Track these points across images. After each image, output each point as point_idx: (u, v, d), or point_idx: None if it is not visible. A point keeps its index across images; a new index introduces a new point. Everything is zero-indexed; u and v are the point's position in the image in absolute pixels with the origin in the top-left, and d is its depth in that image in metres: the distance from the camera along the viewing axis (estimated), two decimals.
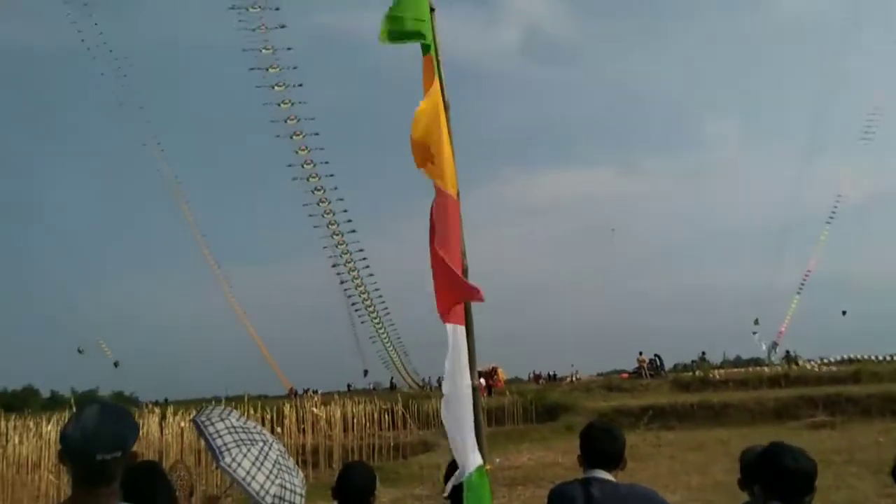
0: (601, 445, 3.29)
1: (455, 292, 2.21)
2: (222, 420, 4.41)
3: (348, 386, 42.22)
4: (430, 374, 44.97)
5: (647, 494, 3.19)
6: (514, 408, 22.92)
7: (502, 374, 31.71)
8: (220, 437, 4.27)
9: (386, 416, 19.89)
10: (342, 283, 36.50)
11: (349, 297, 37.46)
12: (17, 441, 11.94)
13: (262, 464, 4.21)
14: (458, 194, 2.36)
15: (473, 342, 2.33)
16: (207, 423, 4.33)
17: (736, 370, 32.11)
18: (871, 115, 38.19)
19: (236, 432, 4.35)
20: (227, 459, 4.08)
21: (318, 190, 31.36)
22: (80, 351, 32.43)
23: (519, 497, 9.49)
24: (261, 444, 4.40)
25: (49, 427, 13.12)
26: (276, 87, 32.08)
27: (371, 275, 36.89)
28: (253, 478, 4.10)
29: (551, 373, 41.76)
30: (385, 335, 40.82)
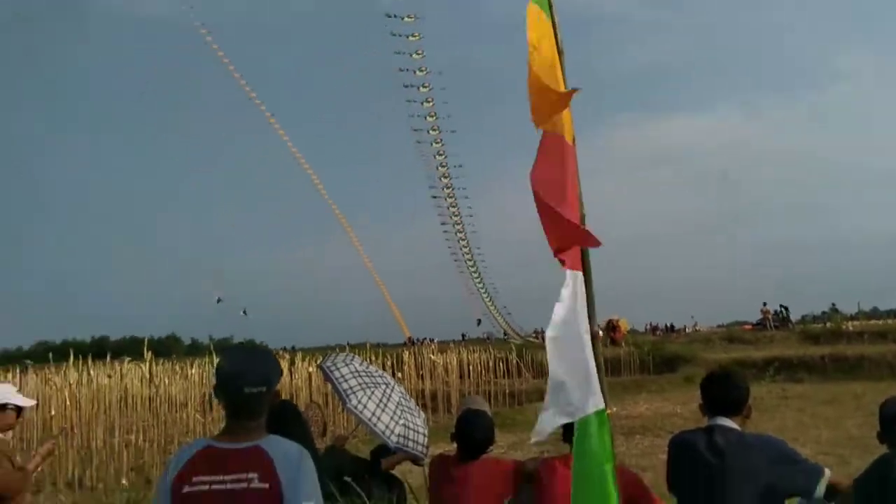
0: (724, 393, 3.23)
1: (571, 238, 2.22)
2: (346, 365, 4.66)
3: (462, 335, 43.10)
4: (541, 326, 44.98)
5: (775, 444, 3.10)
6: (631, 359, 22.65)
7: (624, 326, 31.12)
8: (345, 381, 4.53)
9: (501, 364, 20.19)
10: (451, 244, 36.64)
11: (454, 256, 37.80)
12: (166, 382, 13.17)
13: (385, 405, 4.44)
14: (573, 140, 2.34)
15: (592, 289, 2.34)
16: (333, 368, 4.60)
17: (872, 322, 30.02)
18: None
19: (360, 376, 4.59)
20: (354, 402, 4.33)
21: (440, 154, 31.30)
22: (218, 300, 34.88)
23: (637, 446, 9.45)
24: (383, 386, 4.63)
25: (192, 370, 14.36)
26: (413, 55, 31.93)
27: (475, 231, 36.90)
28: (378, 418, 4.34)
29: (668, 324, 40.77)
30: (486, 293, 41.14)
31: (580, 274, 2.26)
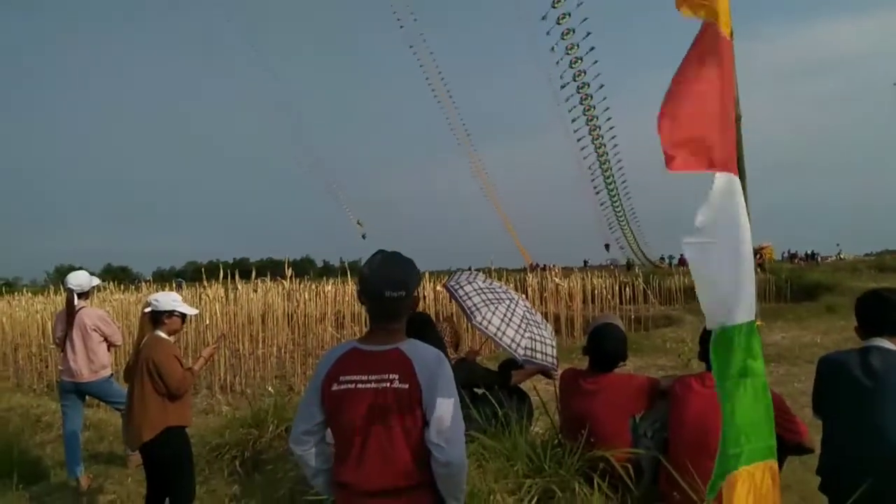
0: (883, 311, 2.99)
1: (727, 138, 2.08)
2: (470, 283, 4.73)
3: (585, 262, 42.57)
4: (670, 252, 43.46)
5: None
6: (767, 286, 21.53)
7: (770, 253, 29.62)
8: (469, 298, 4.60)
9: (626, 289, 19.84)
10: (586, 158, 34.87)
11: (592, 175, 36.11)
12: (306, 297, 14.02)
13: (510, 320, 4.48)
14: (731, 34, 2.16)
15: (746, 196, 2.20)
16: (457, 287, 4.68)
17: None
18: None
19: (484, 293, 4.64)
20: (479, 318, 4.40)
21: (575, 61, 29.15)
22: (363, 237, 36.48)
23: (772, 374, 9.05)
24: (507, 301, 4.66)
25: (328, 288, 15.16)
26: None
27: (615, 146, 34.61)
28: (503, 333, 4.39)
29: (809, 251, 38.28)
30: (622, 213, 39.60)
31: (736, 178, 2.12)
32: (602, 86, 29.78)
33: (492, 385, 4.34)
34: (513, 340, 4.36)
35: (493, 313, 4.44)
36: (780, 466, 3.35)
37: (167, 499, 4.13)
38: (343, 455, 2.30)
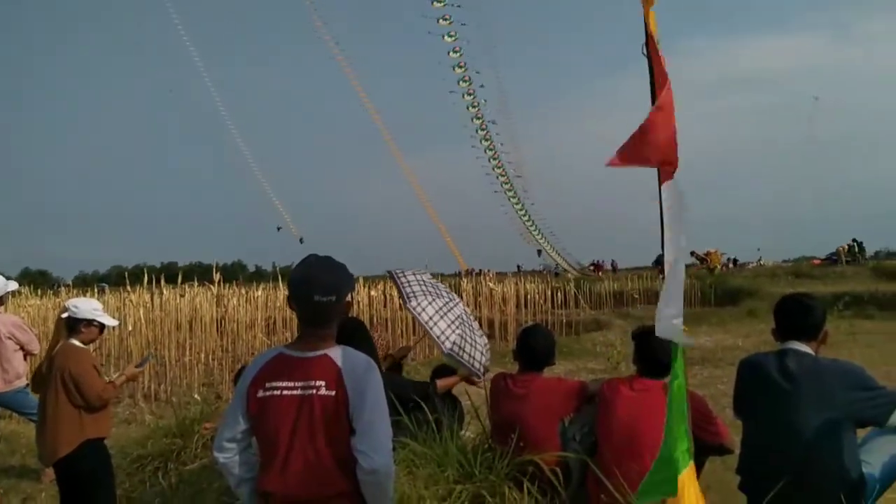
0: (799, 316, 3.11)
1: (674, 144, 2.13)
2: (414, 275, 4.73)
3: (518, 267, 43.08)
4: (598, 258, 44.40)
5: (851, 370, 3.00)
6: (692, 291, 22.29)
7: (717, 259, 30.74)
8: (410, 286, 4.60)
9: (558, 294, 20.18)
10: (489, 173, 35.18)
11: (493, 189, 36.50)
12: (235, 303, 13.67)
13: (445, 314, 4.47)
14: (658, 43, 2.21)
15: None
16: (400, 274, 4.69)
17: None
18: None
19: (426, 285, 4.64)
20: (414, 303, 4.39)
21: (464, 81, 29.40)
22: (278, 229, 35.71)
23: (696, 376, 9.36)
24: (447, 299, 4.66)
25: (258, 293, 14.84)
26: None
27: (510, 162, 35.25)
28: (435, 323, 4.38)
29: (731, 257, 39.76)
30: (533, 226, 40.18)
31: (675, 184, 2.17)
32: (495, 106, 29.95)
33: (420, 395, 4.32)
34: (442, 332, 4.36)
35: (430, 304, 4.43)
36: (702, 467, 3.46)
37: None
38: (267, 463, 2.25)
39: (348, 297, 2.37)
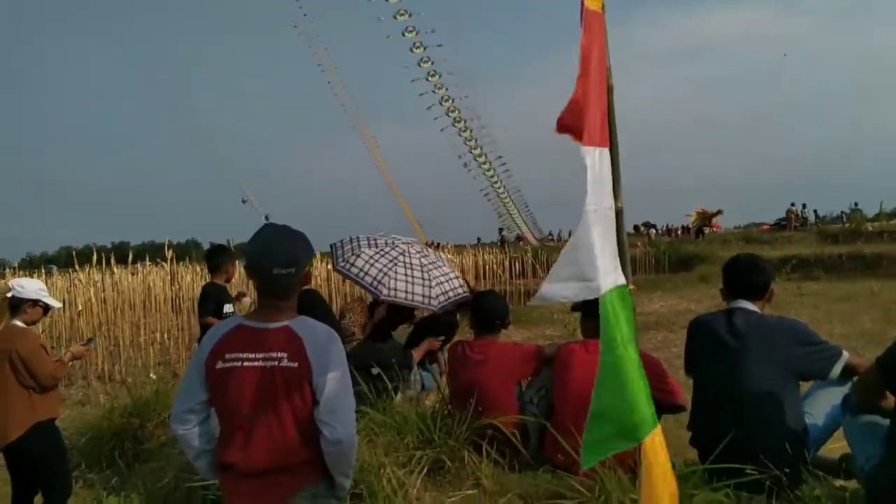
0: (745, 276, 3.21)
1: (599, 112, 2.14)
2: (358, 257, 4.57)
3: (478, 239, 43.28)
4: (559, 228, 44.76)
5: (795, 326, 3.11)
6: (646, 258, 22.74)
7: (699, 217, 31.22)
8: (366, 274, 4.48)
9: (516, 264, 20.37)
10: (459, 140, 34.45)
11: (461, 157, 35.90)
12: (189, 280, 13.45)
13: (412, 277, 4.40)
14: (602, 7, 2.21)
15: (619, 167, 2.27)
16: (348, 265, 4.54)
17: (894, 223, 29.70)
18: None
19: (376, 261, 4.52)
20: (385, 291, 4.32)
21: (417, 46, 28.34)
22: (243, 201, 34.57)
23: (651, 340, 9.57)
24: (400, 257, 4.55)
25: None
26: None
27: (483, 127, 34.40)
28: (413, 293, 4.33)
29: (684, 225, 40.54)
30: (503, 190, 39.93)
31: (606, 150, 2.19)
32: (451, 74, 29.10)
33: (393, 363, 4.32)
34: (424, 297, 4.31)
35: (395, 279, 4.34)
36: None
37: (38, 497, 3.86)
38: (228, 435, 2.22)
39: (307, 268, 2.34)
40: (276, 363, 2.16)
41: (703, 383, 3.22)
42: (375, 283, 4.33)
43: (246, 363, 2.18)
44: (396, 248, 4.62)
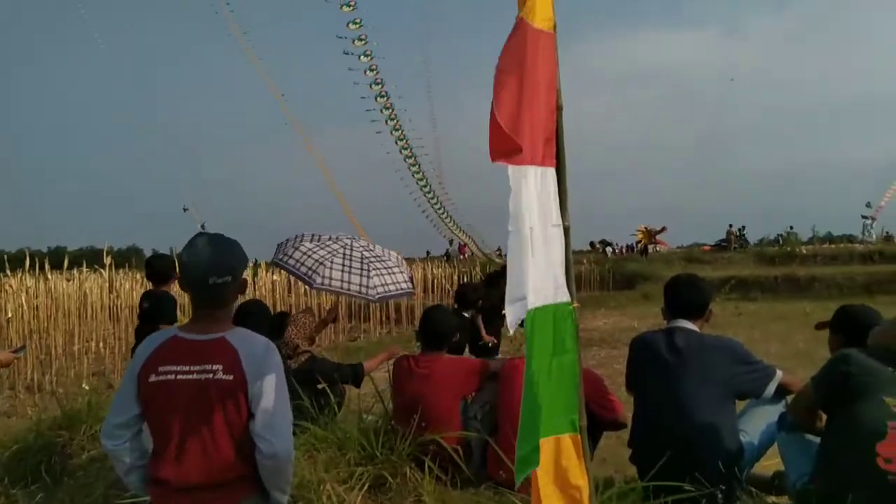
0: (686, 295, 3.28)
1: (545, 131, 2.15)
2: (297, 249, 4.48)
3: (427, 252, 43.20)
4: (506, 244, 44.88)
5: (732, 346, 3.19)
6: (591, 276, 23.12)
7: (645, 236, 31.79)
8: (302, 264, 4.37)
9: (464, 277, 20.43)
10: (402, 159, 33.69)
11: (401, 177, 35.29)
12: (128, 288, 13.04)
13: (350, 267, 4.30)
14: (554, 28, 2.23)
15: (566, 184, 2.28)
16: (286, 258, 4.44)
17: (826, 246, 30.96)
18: None
19: (314, 253, 4.42)
20: (318, 280, 4.22)
21: (366, 55, 27.75)
22: (184, 209, 33.56)
23: (594, 356, 9.72)
24: (342, 250, 4.46)
25: None
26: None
27: (422, 147, 33.95)
28: (349, 283, 4.24)
29: (629, 244, 41.35)
30: (443, 211, 39.64)
31: (552, 169, 2.20)
32: (401, 97, 28.56)
33: (340, 379, 4.25)
34: (361, 286, 4.23)
35: (331, 268, 4.25)
36: (598, 441, 3.59)
37: None
38: (160, 450, 2.16)
39: (243, 277, 2.29)
40: (211, 376, 2.11)
41: (643, 401, 3.27)
42: (310, 272, 4.26)
43: (180, 376, 2.12)
44: (339, 242, 4.55)
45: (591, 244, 35.05)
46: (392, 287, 4.29)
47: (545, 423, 2.21)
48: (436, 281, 18.84)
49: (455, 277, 19.69)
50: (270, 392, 2.13)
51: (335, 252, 4.36)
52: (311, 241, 4.50)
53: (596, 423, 3.34)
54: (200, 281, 2.15)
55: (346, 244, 4.51)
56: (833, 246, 31.53)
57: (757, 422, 3.22)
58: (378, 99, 27.70)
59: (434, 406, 3.53)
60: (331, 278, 4.18)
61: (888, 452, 2.31)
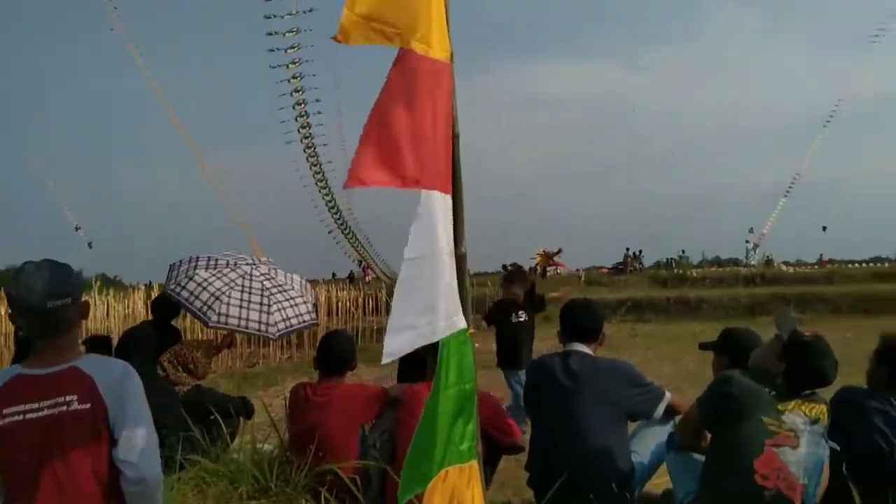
0: (580, 320, 3.37)
1: (443, 159, 2.17)
2: (191, 279, 4.22)
3: (333, 274, 42.57)
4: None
5: (624, 368, 3.29)
6: (487, 297, 23.42)
7: (544, 259, 32.28)
8: (196, 298, 4.07)
9: (370, 301, 20.23)
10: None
11: (310, 196, 34.59)
12: (2, 312, 12.10)
13: (249, 302, 4.06)
14: (451, 57, 2.25)
15: (463, 210, 2.30)
16: (178, 289, 4.13)
17: (714, 269, 32.74)
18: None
19: (210, 284, 4.20)
20: (214, 318, 4.00)
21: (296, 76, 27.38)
22: (77, 228, 31.57)
23: (493, 379, 9.80)
24: (239, 280, 4.23)
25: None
26: None
27: (330, 162, 33.36)
28: (248, 320, 4.03)
29: (530, 267, 42.32)
30: (349, 232, 39.27)
31: (449, 196, 2.21)
32: (319, 112, 28.12)
33: (229, 411, 4.08)
34: (260, 323, 4.05)
35: (228, 304, 4.04)
36: (496, 465, 3.60)
37: None
38: (13, 496, 2.00)
39: (83, 299, 2.16)
40: (65, 408, 1.99)
41: (540, 423, 3.32)
42: (205, 308, 4.05)
43: (29, 415, 1.98)
44: (237, 270, 4.33)
45: (504, 267, 35.59)
46: (294, 321, 4.16)
47: (448, 453, 2.19)
48: (340, 304, 18.56)
49: (360, 300, 19.47)
50: (133, 416, 2.05)
51: (232, 284, 4.14)
52: (206, 270, 4.25)
53: (495, 448, 3.36)
54: (38, 307, 2.00)
55: (245, 273, 4.30)
56: (721, 269, 33.39)
57: (647, 442, 3.33)
58: (296, 106, 27.00)
59: (331, 435, 3.45)
60: (227, 315, 3.98)
61: (764, 469, 2.44)
